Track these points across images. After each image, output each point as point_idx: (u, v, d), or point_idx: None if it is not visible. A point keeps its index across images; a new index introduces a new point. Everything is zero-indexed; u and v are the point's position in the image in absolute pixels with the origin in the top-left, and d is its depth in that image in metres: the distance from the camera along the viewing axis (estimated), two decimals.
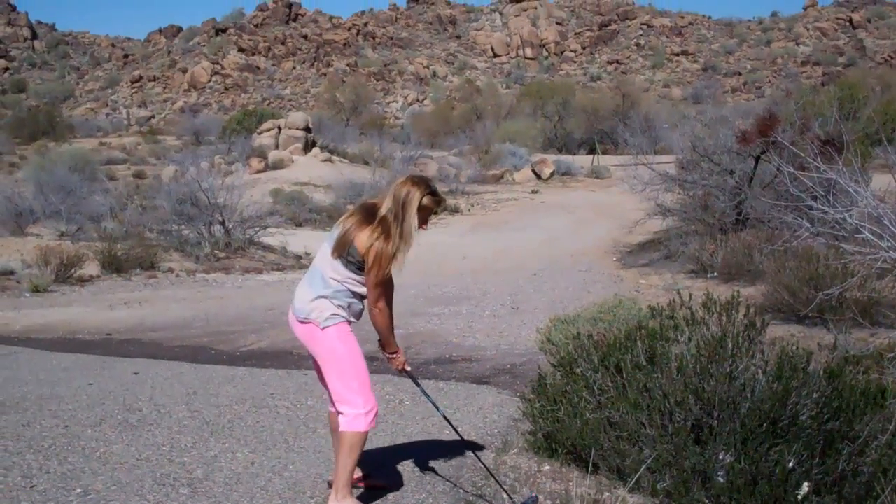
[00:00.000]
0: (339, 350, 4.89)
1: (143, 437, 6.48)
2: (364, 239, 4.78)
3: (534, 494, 5.06)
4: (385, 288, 4.91)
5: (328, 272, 4.87)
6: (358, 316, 5.01)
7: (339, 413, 4.93)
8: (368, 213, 4.89)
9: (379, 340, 5.15)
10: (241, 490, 5.42)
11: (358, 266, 4.81)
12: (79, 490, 5.35)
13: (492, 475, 5.34)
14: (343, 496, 4.93)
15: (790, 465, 4.88)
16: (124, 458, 5.98)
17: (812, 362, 5.34)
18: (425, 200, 4.84)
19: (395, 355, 5.17)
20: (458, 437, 5.72)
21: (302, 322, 4.95)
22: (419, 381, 5.36)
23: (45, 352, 10.03)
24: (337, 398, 4.92)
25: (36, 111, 68.48)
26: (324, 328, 4.87)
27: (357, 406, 4.87)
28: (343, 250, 4.82)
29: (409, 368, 5.28)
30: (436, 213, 5.02)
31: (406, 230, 4.79)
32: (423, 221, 4.88)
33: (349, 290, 4.87)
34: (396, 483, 5.59)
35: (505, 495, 5.12)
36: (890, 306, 9.32)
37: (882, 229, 5.12)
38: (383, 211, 4.81)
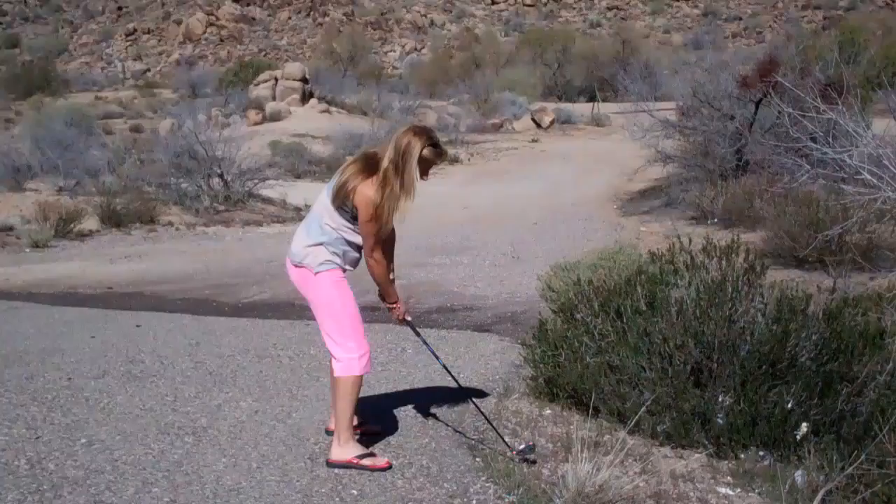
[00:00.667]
0: (331, 295, 4.90)
1: (147, 388, 6.51)
2: (363, 190, 4.76)
3: (530, 443, 5.08)
4: (382, 239, 4.91)
5: (324, 218, 4.87)
6: (354, 264, 5.01)
7: (332, 359, 4.95)
8: (369, 163, 4.86)
9: (379, 291, 5.16)
10: (244, 438, 5.46)
11: (354, 216, 4.81)
12: (83, 440, 5.39)
13: (490, 425, 5.37)
14: (345, 441, 4.97)
15: (789, 406, 4.92)
16: (128, 409, 6.02)
17: (811, 304, 5.36)
18: (426, 152, 4.82)
19: (394, 305, 5.17)
20: (458, 385, 5.75)
21: (296, 266, 4.96)
22: (419, 331, 5.37)
23: (46, 306, 10.04)
24: (330, 344, 4.94)
25: (30, 66, 67.96)
26: (317, 273, 4.88)
27: (350, 351, 4.89)
28: (341, 200, 4.81)
29: (409, 318, 5.28)
30: (436, 164, 5.00)
31: (407, 181, 4.77)
32: (423, 172, 4.86)
33: (344, 238, 4.87)
34: (397, 429, 5.63)
35: (504, 444, 5.15)
36: (889, 248, 9.34)
37: (882, 170, 5.11)
38: (385, 163, 4.78)
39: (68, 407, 6.04)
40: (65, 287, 11.39)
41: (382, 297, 5.17)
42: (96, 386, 6.55)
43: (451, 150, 30.65)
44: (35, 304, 10.20)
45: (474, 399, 5.66)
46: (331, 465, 4.96)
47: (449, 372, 5.52)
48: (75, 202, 16.99)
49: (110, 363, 7.23)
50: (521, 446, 5.01)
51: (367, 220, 4.76)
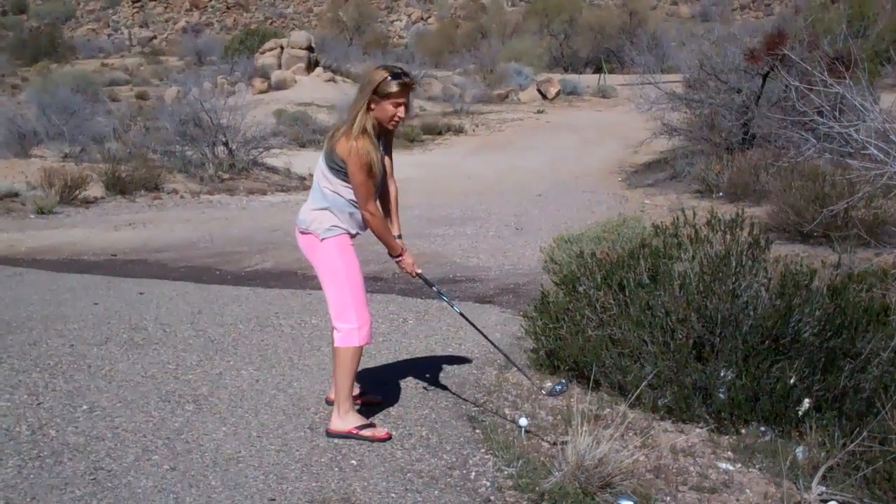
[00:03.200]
0: (335, 262, 4.87)
1: (149, 356, 6.52)
2: (343, 141, 4.72)
3: (563, 381, 5.08)
4: (375, 190, 4.86)
5: (322, 182, 4.84)
6: (363, 226, 4.97)
7: (333, 329, 4.94)
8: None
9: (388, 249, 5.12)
10: (245, 406, 5.47)
11: (344, 171, 4.76)
12: (85, 407, 5.40)
13: (510, 360, 5.37)
14: (345, 411, 4.97)
15: (791, 381, 4.90)
16: (130, 376, 6.02)
17: (815, 280, 5.33)
18: (389, 86, 4.69)
19: (401, 258, 5.10)
20: (460, 356, 5.74)
21: (303, 233, 4.94)
22: (433, 283, 5.32)
23: (50, 272, 10.05)
24: (332, 311, 4.92)
25: (37, 32, 67.74)
26: (323, 239, 4.85)
27: (350, 321, 4.87)
28: (328, 157, 4.78)
29: (419, 270, 5.23)
30: (404, 98, 4.78)
31: (382, 116, 4.75)
32: (392, 117, 4.77)
33: (344, 198, 4.82)
34: (397, 399, 5.63)
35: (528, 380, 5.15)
36: (895, 225, 9.30)
37: (889, 145, 5.07)
38: (353, 110, 4.75)
39: (70, 374, 6.05)
40: (69, 254, 11.39)
41: (391, 254, 5.12)
42: (98, 353, 6.56)
43: (455, 121, 30.61)
44: (39, 270, 10.21)
45: (491, 340, 5.63)
46: (330, 435, 4.96)
47: (466, 318, 5.44)
48: (80, 169, 16.95)
49: (113, 330, 7.23)
50: (552, 386, 4.99)
51: (354, 170, 4.69)
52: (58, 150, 19.62)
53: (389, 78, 4.68)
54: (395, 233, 5.12)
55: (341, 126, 4.83)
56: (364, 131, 4.69)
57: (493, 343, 5.53)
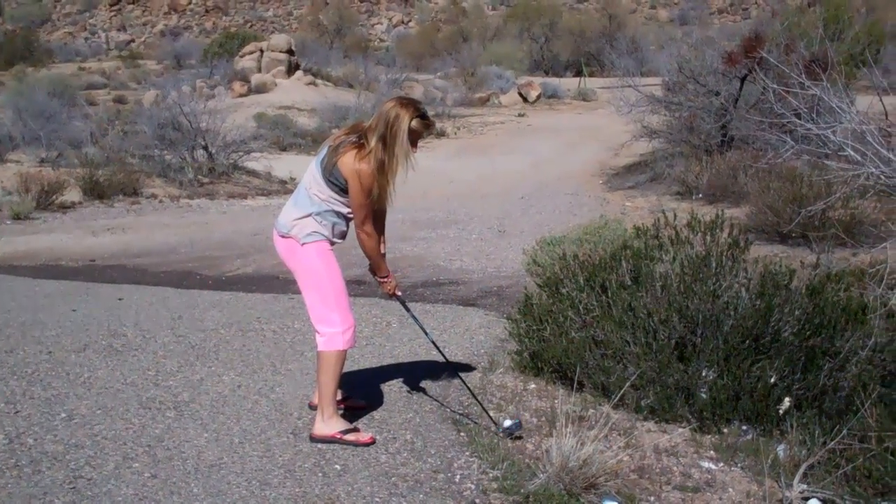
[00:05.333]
0: (317, 267, 4.87)
1: (128, 362, 6.48)
2: (348, 161, 4.74)
3: (517, 419, 5.05)
4: (373, 211, 4.90)
5: (313, 189, 4.85)
6: (342, 237, 4.99)
7: (316, 333, 4.93)
8: (357, 135, 4.85)
9: (370, 265, 5.13)
10: (227, 412, 5.44)
11: (342, 188, 4.79)
12: (63, 414, 5.37)
13: (476, 400, 5.37)
14: (329, 416, 4.96)
15: (772, 380, 4.94)
16: (109, 383, 5.99)
17: (794, 280, 5.37)
18: (414, 123, 4.77)
19: (386, 279, 5.13)
20: (445, 359, 5.75)
21: (283, 237, 4.94)
22: (409, 306, 5.35)
23: (27, 279, 9.97)
24: (314, 317, 4.92)
25: (13, 36, 67.24)
26: (303, 244, 4.85)
27: (334, 325, 4.87)
28: (329, 171, 4.79)
29: (399, 293, 5.24)
30: (424, 135, 4.97)
31: (400, 154, 4.76)
32: (412, 144, 4.83)
33: (333, 210, 4.84)
34: (381, 403, 5.63)
35: (489, 419, 5.15)
36: (872, 224, 9.37)
37: (865, 147, 5.10)
38: (373, 139, 4.76)
39: (48, 381, 6.01)
40: (46, 259, 11.32)
41: (373, 271, 5.14)
42: (77, 360, 6.52)
43: (437, 124, 30.57)
44: (16, 276, 10.15)
45: (461, 374, 5.66)
46: (314, 440, 4.95)
47: (437, 346, 5.52)
48: (57, 174, 16.85)
49: (92, 336, 7.19)
50: (508, 423, 4.99)
51: (356, 191, 4.74)
52: (34, 154, 19.47)
53: (417, 118, 4.78)
54: (382, 251, 5.13)
55: (345, 139, 4.84)
56: (379, 163, 4.75)
57: (463, 381, 5.49)
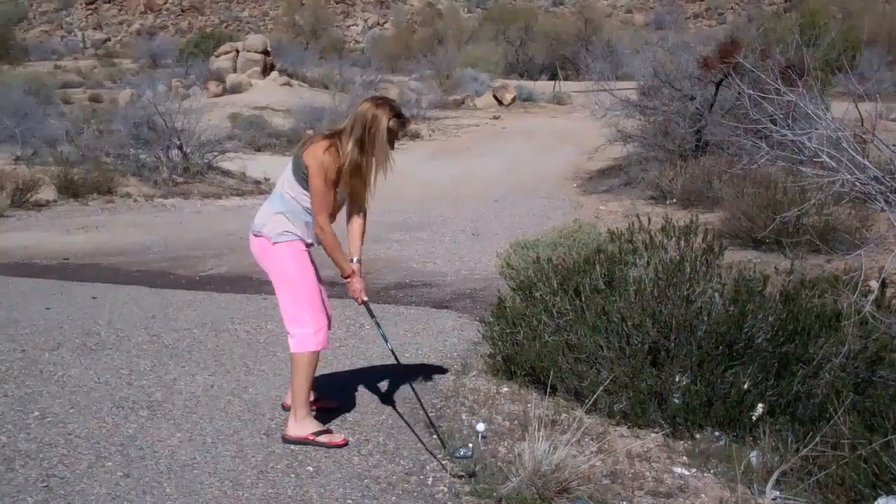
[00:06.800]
0: (288, 267, 4.87)
1: (102, 361, 6.45)
2: (314, 150, 4.76)
3: (469, 452, 4.78)
4: (330, 205, 4.88)
5: (285, 187, 4.85)
6: (318, 238, 4.96)
7: (288, 335, 4.92)
8: (333, 133, 4.86)
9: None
10: (200, 412, 5.43)
11: (306, 179, 4.80)
12: (36, 413, 5.33)
13: (425, 413, 5.37)
14: (301, 417, 4.95)
15: (745, 386, 4.96)
16: (82, 382, 5.96)
17: (768, 286, 5.41)
18: (391, 123, 4.78)
19: (349, 280, 5.04)
20: (417, 362, 5.74)
21: (255, 236, 4.93)
22: (374, 314, 5.21)
23: (1, 277, 9.90)
24: (286, 318, 4.91)
25: None
26: (275, 243, 4.85)
27: (306, 325, 4.87)
28: (296, 164, 4.80)
29: (365, 298, 5.08)
30: (399, 136, 4.96)
31: (380, 155, 4.79)
32: (389, 145, 4.84)
33: (302, 206, 4.82)
34: (354, 405, 5.62)
35: (440, 441, 5.00)
36: (846, 231, 9.43)
37: (840, 153, 5.14)
38: (347, 138, 4.76)
39: (22, 379, 5.97)
40: (20, 258, 11.23)
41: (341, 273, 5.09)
42: (51, 358, 6.48)
43: (412, 126, 30.57)
44: None
45: (415, 385, 5.47)
46: (287, 440, 4.94)
47: (395, 356, 5.29)
48: (32, 172, 16.73)
49: (65, 335, 7.15)
50: (462, 451, 4.68)
51: (313, 175, 4.74)
52: (9, 152, 19.35)
53: (394, 118, 4.79)
54: (355, 256, 5.07)
55: (317, 138, 4.84)
56: (354, 161, 4.79)
57: (416, 393, 5.28)
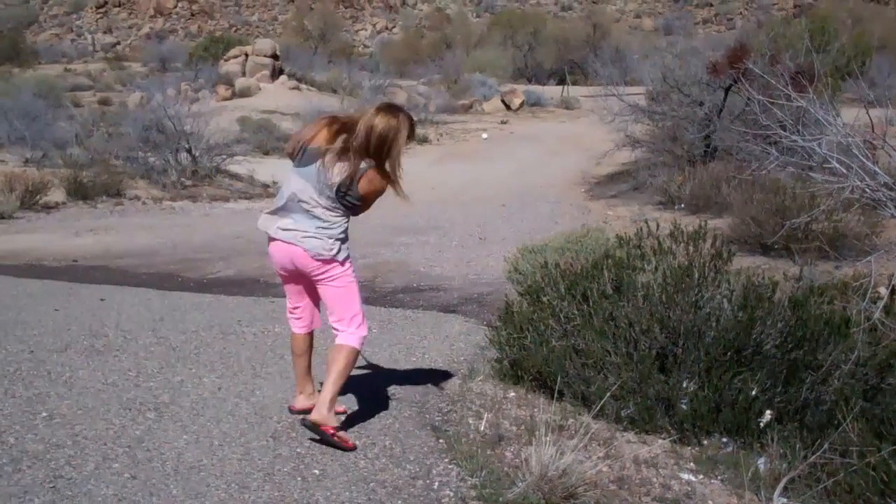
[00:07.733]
0: (352, 283, 5.05)
1: (110, 363, 6.45)
2: (371, 181, 4.88)
3: None
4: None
5: (328, 213, 4.90)
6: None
7: (341, 332, 5.01)
8: (345, 136, 4.84)
9: None
10: (207, 414, 5.42)
11: (347, 204, 4.90)
12: (44, 414, 5.33)
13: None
14: (331, 409, 4.91)
15: (753, 393, 4.94)
16: (90, 383, 5.96)
17: (777, 292, 5.38)
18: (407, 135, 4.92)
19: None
20: (424, 367, 5.74)
21: (318, 259, 4.91)
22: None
23: (10, 278, 9.91)
24: (343, 317, 5.03)
25: None
26: (343, 263, 4.98)
27: (362, 328, 5.05)
28: (343, 194, 4.84)
29: None
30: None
31: (395, 171, 4.89)
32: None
33: (346, 219, 5.00)
34: (360, 409, 5.61)
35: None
36: (855, 237, 9.41)
37: (850, 159, 5.13)
38: (359, 154, 4.82)
39: (30, 380, 5.97)
40: (29, 259, 11.27)
41: None
42: (59, 359, 6.48)
43: (420, 131, 30.60)
44: None
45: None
46: (310, 424, 4.86)
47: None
48: (42, 174, 16.82)
49: (73, 337, 7.15)
50: None
51: (370, 199, 4.99)
52: (19, 154, 19.42)
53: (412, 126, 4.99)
54: None
55: (348, 152, 4.83)
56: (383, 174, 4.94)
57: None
